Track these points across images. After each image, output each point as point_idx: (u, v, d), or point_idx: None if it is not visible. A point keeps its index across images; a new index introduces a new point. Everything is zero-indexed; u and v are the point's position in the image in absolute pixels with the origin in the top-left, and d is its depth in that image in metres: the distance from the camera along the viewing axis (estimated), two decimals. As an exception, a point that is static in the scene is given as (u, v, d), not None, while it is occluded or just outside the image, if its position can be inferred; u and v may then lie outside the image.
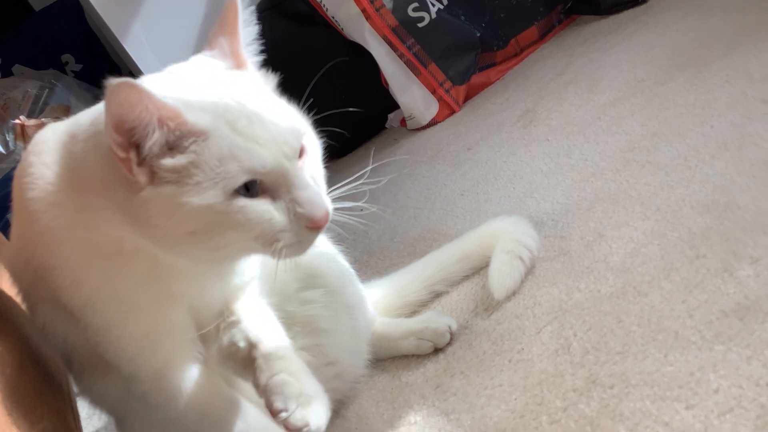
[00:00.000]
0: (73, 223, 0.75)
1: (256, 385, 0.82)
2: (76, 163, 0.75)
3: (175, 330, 0.82)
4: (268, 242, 0.73)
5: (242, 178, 0.70)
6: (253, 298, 0.92)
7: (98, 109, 0.74)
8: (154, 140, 0.67)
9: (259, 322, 0.89)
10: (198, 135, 0.69)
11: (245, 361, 0.85)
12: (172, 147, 0.69)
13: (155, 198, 0.69)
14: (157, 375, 0.81)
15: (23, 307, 0.85)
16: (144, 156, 0.68)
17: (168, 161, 0.68)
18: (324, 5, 2.13)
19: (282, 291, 1.03)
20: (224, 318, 0.88)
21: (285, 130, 0.73)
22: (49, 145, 0.78)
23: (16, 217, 0.80)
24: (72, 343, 0.84)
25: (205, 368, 0.86)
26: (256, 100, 0.74)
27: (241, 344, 0.86)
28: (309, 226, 0.74)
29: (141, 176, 0.69)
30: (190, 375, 0.83)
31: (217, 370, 0.89)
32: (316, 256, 1.11)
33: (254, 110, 0.72)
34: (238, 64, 0.80)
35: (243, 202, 0.70)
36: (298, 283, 1.07)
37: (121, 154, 0.68)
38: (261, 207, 0.71)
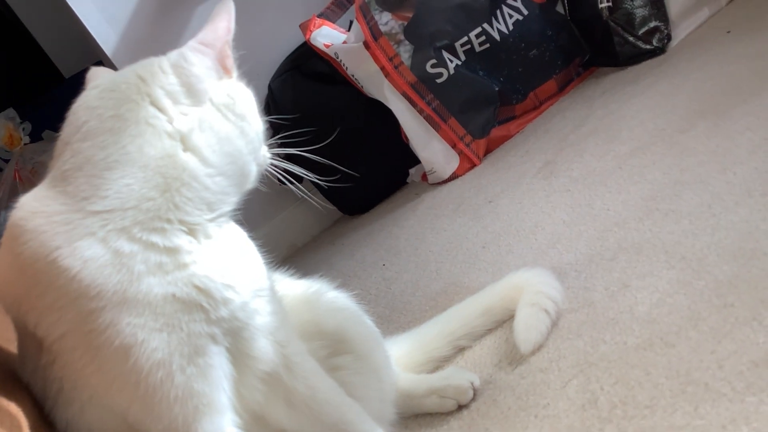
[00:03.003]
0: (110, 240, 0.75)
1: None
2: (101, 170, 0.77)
3: (213, 375, 0.79)
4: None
5: None
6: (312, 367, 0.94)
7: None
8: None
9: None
10: None
11: None
12: None
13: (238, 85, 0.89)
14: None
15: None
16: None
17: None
18: (344, 64, 2.17)
19: (312, 357, 1.01)
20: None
21: None
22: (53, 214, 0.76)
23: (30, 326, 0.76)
24: None
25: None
26: None
27: None
28: None
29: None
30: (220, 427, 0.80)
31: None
32: (342, 319, 1.09)
33: None
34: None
35: None
36: (326, 350, 1.05)
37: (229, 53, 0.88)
38: None
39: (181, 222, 0.79)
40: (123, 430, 0.79)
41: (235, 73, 0.89)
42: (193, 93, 0.83)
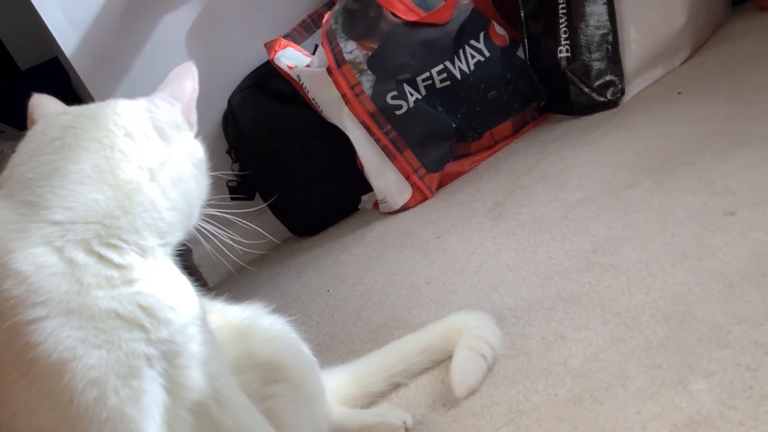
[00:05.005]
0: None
1: None
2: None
3: (144, 401, 0.78)
4: None
5: None
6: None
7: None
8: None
9: None
10: None
11: None
12: None
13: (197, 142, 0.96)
14: None
15: None
16: None
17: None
18: (305, 87, 2.18)
19: (245, 390, 1.01)
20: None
21: None
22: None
23: None
24: None
25: None
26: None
27: None
28: None
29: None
30: None
31: None
32: (277, 348, 1.09)
33: None
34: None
35: None
36: (260, 380, 1.05)
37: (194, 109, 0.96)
38: None
39: (137, 244, 0.82)
40: None
41: (195, 130, 0.97)
42: (162, 135, 0.90)
